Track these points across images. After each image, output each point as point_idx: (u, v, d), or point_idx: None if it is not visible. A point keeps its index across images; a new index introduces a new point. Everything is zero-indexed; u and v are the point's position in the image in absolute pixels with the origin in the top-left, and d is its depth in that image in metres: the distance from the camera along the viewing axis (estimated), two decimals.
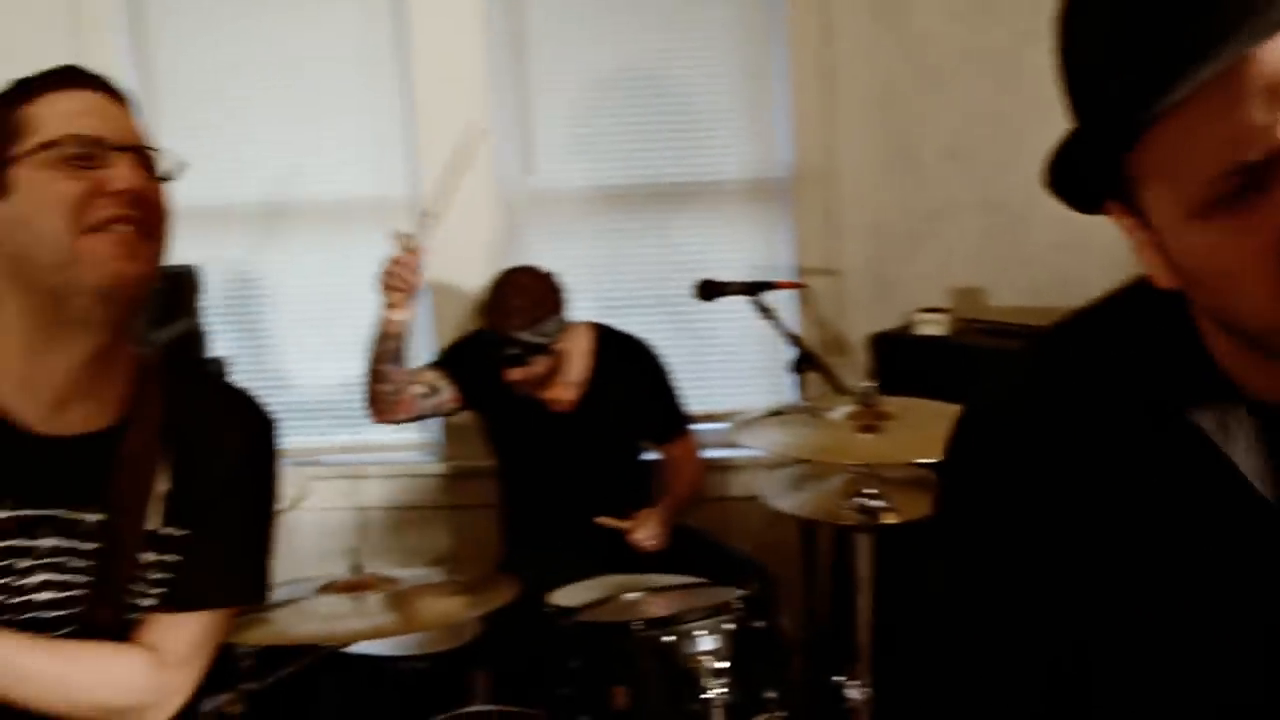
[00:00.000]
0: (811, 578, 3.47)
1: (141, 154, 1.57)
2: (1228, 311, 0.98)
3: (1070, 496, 1.09)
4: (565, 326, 3.40)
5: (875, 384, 2.77)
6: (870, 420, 2.70)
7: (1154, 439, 1.05)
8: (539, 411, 3.50)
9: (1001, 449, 1.15)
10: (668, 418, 3.62)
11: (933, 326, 3.53)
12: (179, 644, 1.65)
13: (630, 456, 3.64)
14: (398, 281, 3.21)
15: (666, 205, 3.92)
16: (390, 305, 3.24)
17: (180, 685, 1.66)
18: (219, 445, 1.69)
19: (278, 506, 1.79)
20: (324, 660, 2.97)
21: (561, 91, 3.88)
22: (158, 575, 1.64)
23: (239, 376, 3.79)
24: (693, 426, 3.65)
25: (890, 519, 2.69)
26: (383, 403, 3.37)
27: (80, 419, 1.60)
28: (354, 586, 2.76)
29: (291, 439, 3.79)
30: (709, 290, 3.50)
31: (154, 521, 1.63)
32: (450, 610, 2.85)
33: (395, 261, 3.22)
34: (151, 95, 3.85)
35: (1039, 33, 3.89)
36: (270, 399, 3.85)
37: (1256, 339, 0.97)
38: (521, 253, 3.78)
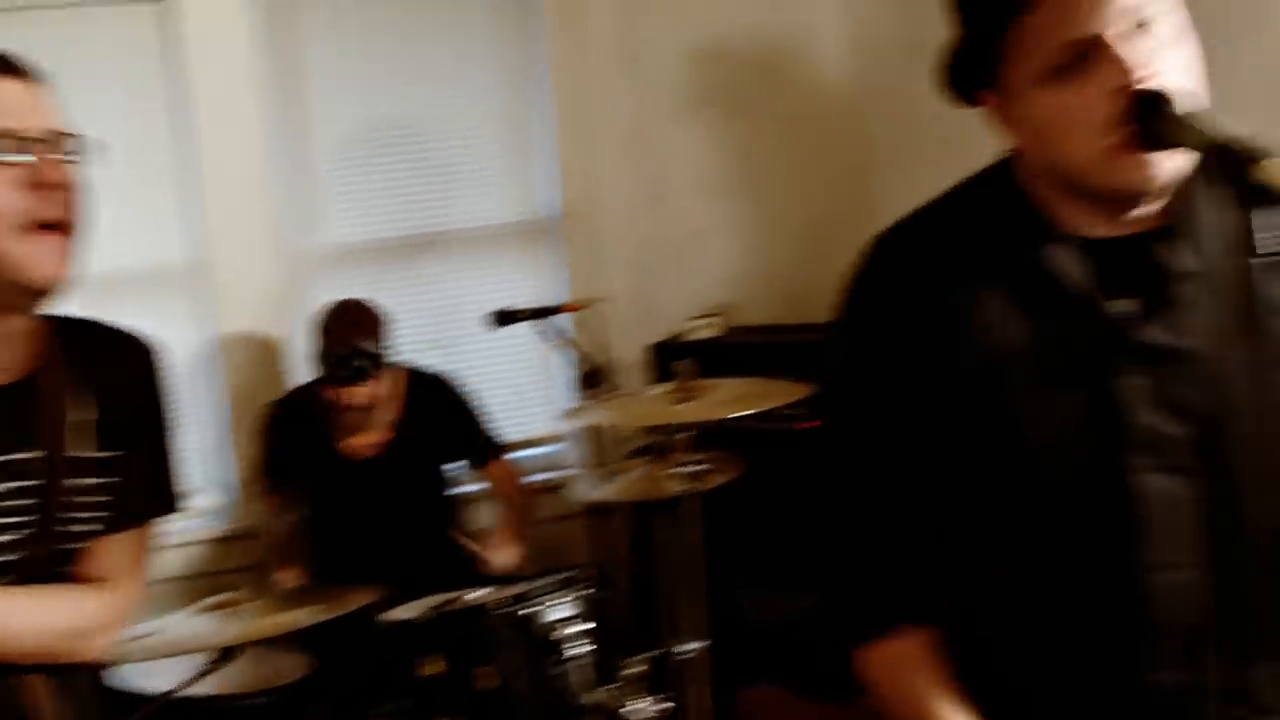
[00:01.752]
0: (615, 567, 3.71)
1: (61, 140, 1.59)
2: (1060, 157, 1.34)
3: (937, 305, 1.42)
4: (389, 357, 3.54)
5: (692, 363, 3.07)
6: (684, 394, 3.00)
7: (992, 266, 1.41)
8: (345, 462, 3.59)
9: (888, 267, 1.49)
10: (482, 441, 3.78)
11: (706, 330, 3.88)
12: (123, 562, 1.74)
13: (439, 495, 3.77)
14: None
15: (445, 251, 4.15)
16: None
17: (127, 603, 1.75)
18: (123, 371, 1.79)
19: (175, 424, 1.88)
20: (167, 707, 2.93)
21: (339, 147, 4.05)
22: (100, 498, 1.72)
23: None
24: (504, 446, 3.82)
25: (713, 482, 2.99)
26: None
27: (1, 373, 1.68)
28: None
29: None
30: (503, 318, 3.73)
31: (88, 448, 1.71)
32: (295, 619, 2.89)
33: None
34: None
35: (771, 72, 4.43)
36: None
37: (1078, 179, 1.34)
38: (307, 306, 3.90)
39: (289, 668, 3.24)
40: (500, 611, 2.81)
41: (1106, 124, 1.28)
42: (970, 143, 1.52)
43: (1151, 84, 1.27)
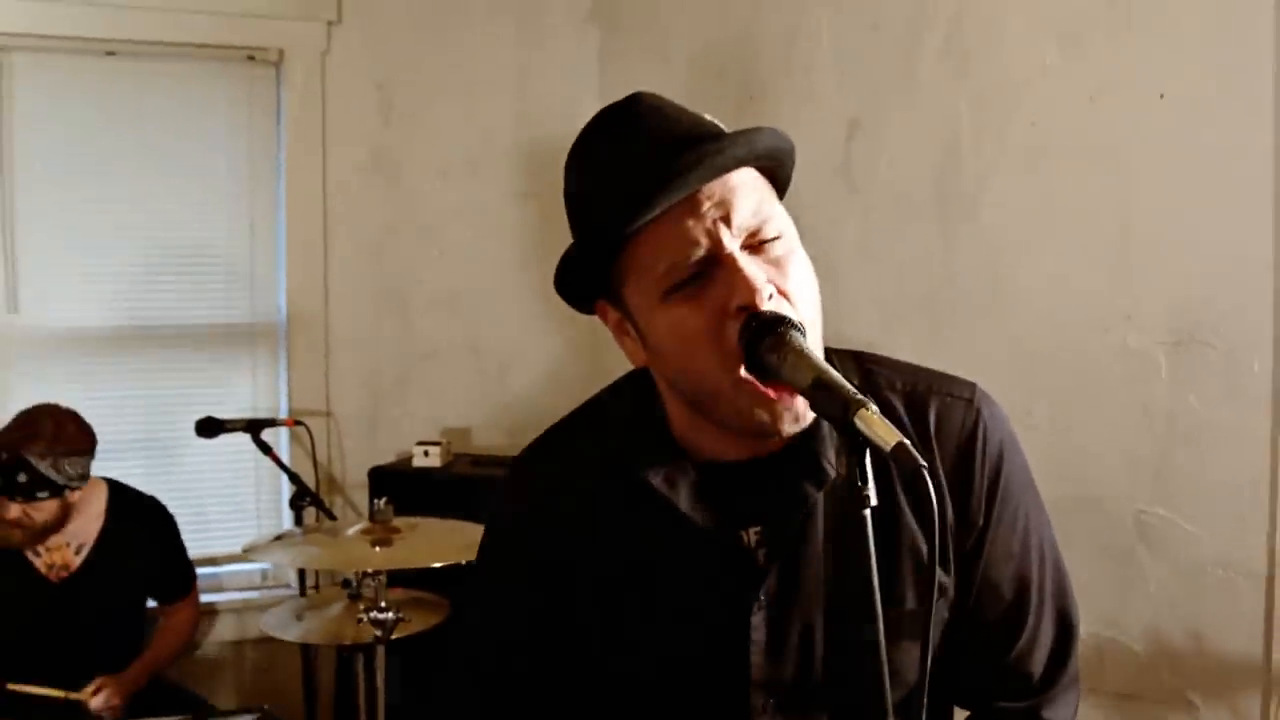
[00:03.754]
0: (313, 707, 3.51)
1: None
2: (685, 375, 1.29)
3: (566, 534, 1.41)
4: (85, 477, 3.26)
5: (388, 503, 2.93)
6: (382, 535, 2.86)
7: (623, 492, 1.38)
8: (32, 577, 3.31)
9: (519, 498, 1.48)
10: (176, 578, 3.55)
11: (429, 458, 3.76)
12: None
13: (133, 617, 3.50)
14: None
15: (161, 345, 3.90)
16: None
17: None
18: None
19: None
20: None
21: (50, 231, 3.79)
22: None
23: None
24: (193, 583, 3.60)
25: (402, 632, 2.84)
26: None
27: None
28: None
29: None
30: (209, 428, 3.54)
31: None
32: None
33: None
34: None
35: (526, 193, 4.43)
36: None
37: (708, 407, 1.30)
38: (6, 393, 3.61)
39: None
40: None
41: (730, 349, 1.22)
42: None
43: (772, 305, 1.22)
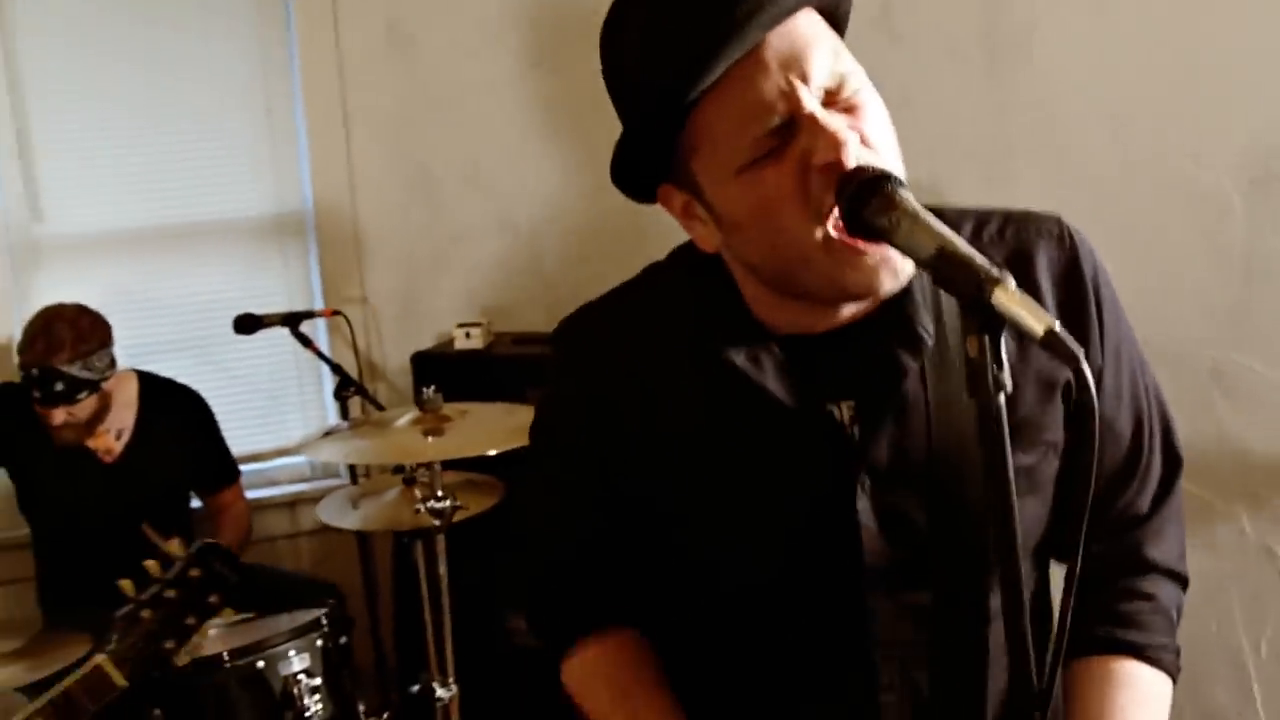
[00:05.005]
0: (373, 593, 3.53)
1: None
2: (768, 246, 1.20)
3: (632, 408, 1.33)
4: (114, 365, 3.25)
5: (436, 391, 2.88)
6: (433, 424, 2.82)
7: (695, 370, 1.29)
8: (79, 465, 3.32)
9: (574, 370, 1.39)
10: (217, 466, 3.55)
11: (471, 340, 3.70)
12: None
13: (176, 507, 3.52)
14: None
15: (190, 244, 3.83)
16: None
17: None
18: None
19: None
20: None
21: (70, 134, 3.69)
22: None
23: None
24: (237, 473, 3.60)
25: (460, 517, 2.83)
26: None
27: None
28: None
29: None
30: (246, 324, 3.49)
31: None
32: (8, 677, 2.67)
33: None
34: None
35: (546, 63, 4.26)
36: None
37: (793, 277, 1.20)
38: (38, 298, 3.56)
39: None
40: (234, 664, 2.60)
41: (817, 207, 1.13)
42: None
43: (865, 160, 1.13)
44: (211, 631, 2.79)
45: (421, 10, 3.89)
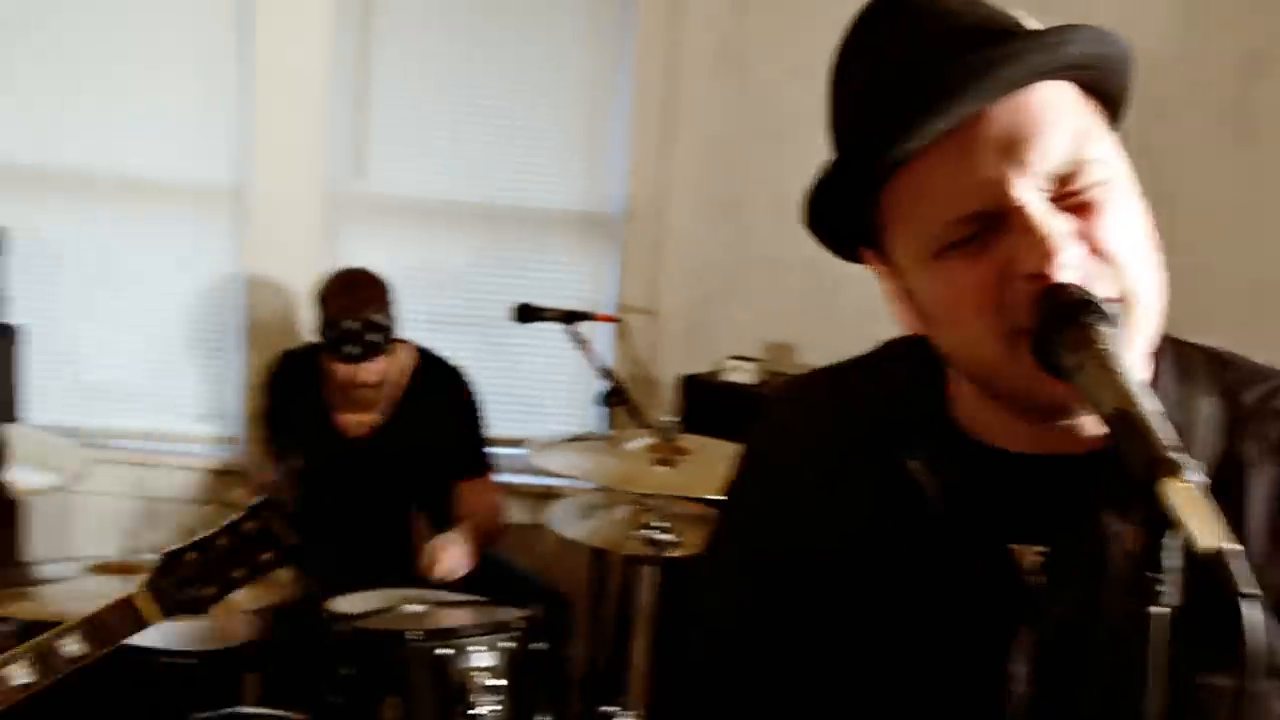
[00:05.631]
0: (599, 608, 3.50)
1: None
2: (956, 344, 1.04)
3: (803, 498, 1.19)
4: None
5: (677, 419, 2.81)
6: (667, 454, 2.75)
7: (878, 470, 1.13)
8: (335, 436, 3.42)
9: (782, 427, 1.26)
10: (472, 455, 3.54)
11: (741, 374, 3.61)
12: None
13: (431, 480, 3.55)
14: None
15: (495, 225, 3.92)
16: None
17: None
18: None
19: None
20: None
21: (403, 97, 3.86)
22: None
23: (34, 349, 3.65)
24: (494, 464, 3.58)
25: (676, 552, 2.74)
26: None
27: None
28: (126, 569, 2.68)
29: (78, 418, 3.71)
30: (525, 314, 3.52)
31: None
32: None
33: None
34: None
35: None
36: (58, 375, 3.76)
37: (979, 375, 1.04)
38: (342, 254, 3.73)
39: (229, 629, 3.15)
40: (420, 645, 2.62)
41: (1011, 323, 0.97)
42: None
43: (1089, 277, 0.95)
44: (421, 606, 2.90)
45: (760, 34, 3.84)
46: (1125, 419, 0.85)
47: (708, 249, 3.92)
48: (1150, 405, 0.85)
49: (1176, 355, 1.11)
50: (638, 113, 3.86)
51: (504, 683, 2.63)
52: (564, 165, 3.93)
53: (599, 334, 3.82)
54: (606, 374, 3.52)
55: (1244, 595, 0.75)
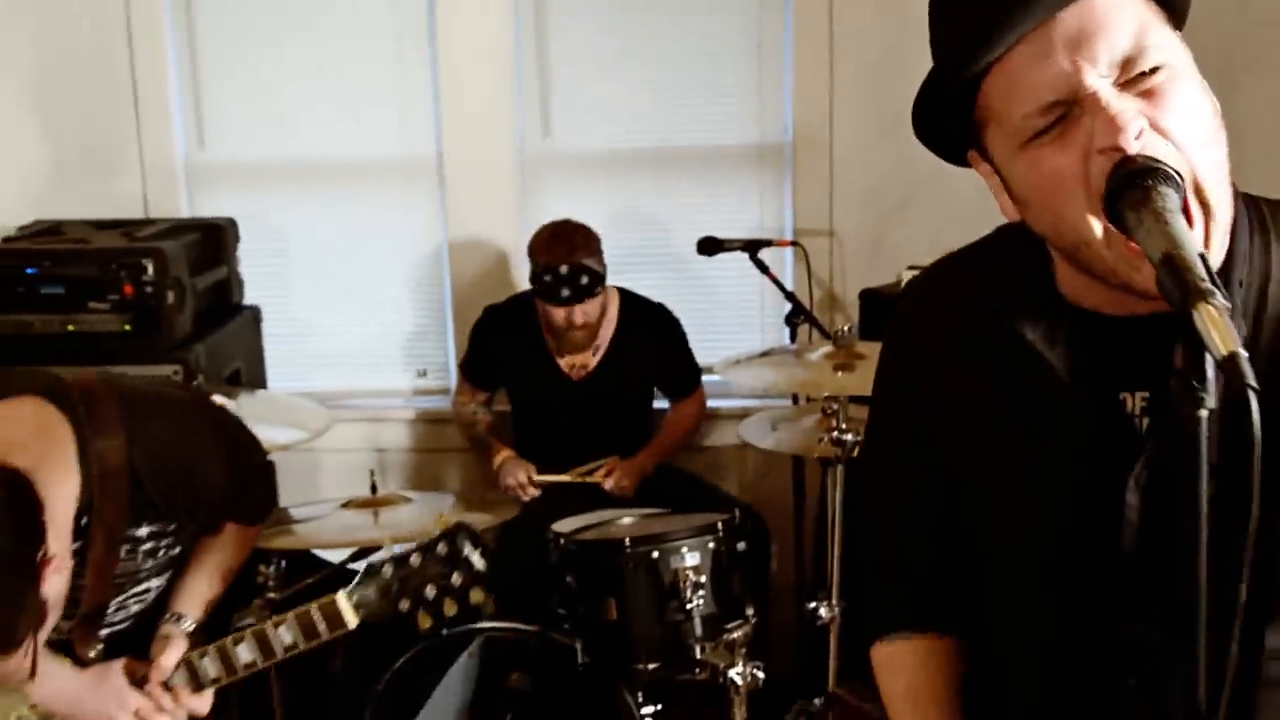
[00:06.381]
0: (800, 514, 3.70)
1: None
2: (1051, 225, 1.19)
3: (945, 375, 1.37)
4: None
5: (852, 328, 2.98)
6: (845, 359, 2.92)
7: (998, 342, 1.30)
8: (558, 377, 3.73)
9: (914, 315, 1.45)
10: (684, 377, 3.87)
11: None
12: None
13: (641, 413, 3.89)
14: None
15: (673, 166, 4.13)
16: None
17: None
18: None
19: None
20: (340, 571, 3.21)
21: (580, 57, 4.09)
22: None
23: (268, 325, 4.05)
24: (700, 381, 3.90)
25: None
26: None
27: None
28: (370, 504, 3.02)
29: (315, 383, 4.10)
30: (709, 246, 3.74)
31: None
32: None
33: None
34: (196, 54, 4.12)
35: None
36: (295, 346, 4.16)
37: (1073, 252, 1.19)
38: (538, 210, 4.00)
39: None
40: (634, 550, 2.87)
41: (1098, 195, 1.11)
42: None
43: (1155, 150, 1.09)
44: (627, 520, 3.16)
45: None
46: (1169, 261, 1.00)
47: (877, 168, 4.04)
48: (1192, 248, 1.00)
49: (1252, 208, 1.25)
50: (799, 42, 4.00)
51: (707, 578, 2.86)
52: (732, 102, 4.09)
53: (781, 259, 4.01)
54: (788, 295, 3.71)
55: (1250, 388, 0.92)
